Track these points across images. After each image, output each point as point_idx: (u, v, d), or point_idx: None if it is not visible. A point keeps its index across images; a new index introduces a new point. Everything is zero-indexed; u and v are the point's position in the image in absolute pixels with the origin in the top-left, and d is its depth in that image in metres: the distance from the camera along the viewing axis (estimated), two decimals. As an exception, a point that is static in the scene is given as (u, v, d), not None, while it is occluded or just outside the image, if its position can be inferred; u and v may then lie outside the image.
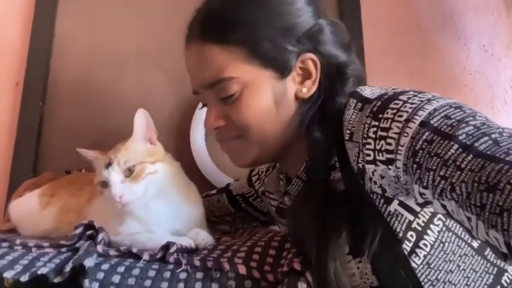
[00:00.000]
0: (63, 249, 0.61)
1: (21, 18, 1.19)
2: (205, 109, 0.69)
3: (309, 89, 0.63)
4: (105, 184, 0.67)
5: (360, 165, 0.56)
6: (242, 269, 0.55)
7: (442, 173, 0.44)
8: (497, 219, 0.38)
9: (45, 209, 0.82)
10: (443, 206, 0.46)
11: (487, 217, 0.39)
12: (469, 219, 0.42)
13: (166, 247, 0.59)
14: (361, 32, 1.22)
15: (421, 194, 0.49)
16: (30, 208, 0.84)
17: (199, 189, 0.80)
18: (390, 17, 1.26)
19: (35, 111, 1.13)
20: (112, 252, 0.60)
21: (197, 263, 0.57)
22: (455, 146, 0.44)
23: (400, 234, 0.54)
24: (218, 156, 1.10)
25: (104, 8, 1.22)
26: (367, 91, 0.60)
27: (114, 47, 1.19)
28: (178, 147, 1.13)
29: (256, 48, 0.61)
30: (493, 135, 0.44)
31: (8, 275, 0.51)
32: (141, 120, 0.70)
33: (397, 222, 0.54)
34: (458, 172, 0.43)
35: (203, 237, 0.65)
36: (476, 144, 0.43)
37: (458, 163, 0.43)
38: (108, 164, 0.66)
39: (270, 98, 0.62)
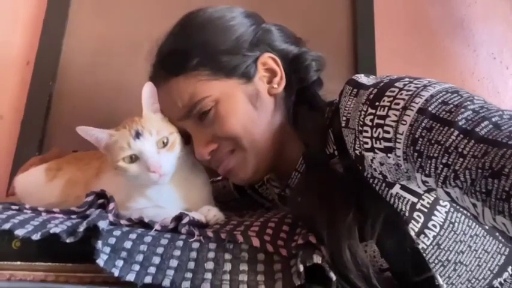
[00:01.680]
0: (73, 216, 0.60)
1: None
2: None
3: (278, 84, 0.68)
4: (132, 159, 0.64)
5: (357, 151, 0.56)
6: (256, 242, 0.54)
7: (444, 161, 0.44)
8: (504, 205, 0.38)
9: (51, 182, 0.81)
10: (447, 193, 0.46)
11: (493, 203, 0.39)
12: (474, 205, 0.42)
13: (179, 218, 0.59)
14: (373, 34, 1.24)
15: (423, 182, 0.49)
16: (36, 182, 0.83)
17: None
18: (402, 20, 1.28)
19: (45, 90, 1.12)
20: (123, 221, 0.60)
21: (210, 234, 0.56)
22: (456, 132, 0.44)
23: (406, 214, 0.54)
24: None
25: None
26: (363, 79, 0.60)
27: (127, 30, 1.19)
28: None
29: (215, 64, 0.65)
30: (493, 119, 0.43)
31: (20, 232, 0.50)
32: (150, 92, 0.68)
33: (400, 203, 0.54)
34: (461, 159, 0.43)
35: (214, 214, 0.64)
36: (477, 129, 0.43)
37: (460, 150, 0.43)
38: (138, 135, 0.63)
39: (245, 100, 0.66)
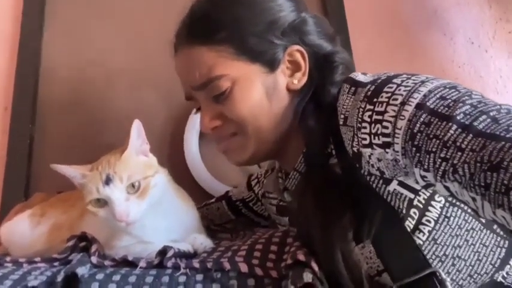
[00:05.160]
0: (56, 263, 0.58)
1: (7, 44, 1.18)
2: (199, 116, 0.69)
3: (299, 80, 0.64)
4: (101, 203, 0.62)
5: (355, 149, 0.56)
6: (244, 267, 0.52)
7: (442, 155, 0.44)
8: (504, 198, 0.38)
9: (35, 228, 0.79)
10: (446, 188, 0.46)
11: (492, 197, 0.39)
12: (473, 199, 0.41)
13: (163, 252, 0.57)
14: (347, 32, 1.23)
15: (422, 177, 0.49)
16: (20, 230, 0.81)
17: (195, 199, 0.78)
18: (375, 16, 1.28)
19: (25, 134, 1.10)
20: (107, 262, 0.58)
21: (196, 265, 0.54)
22: (454, 127, 0.44)
23: (404, 212, 0.53)
24: (212, 164, 1.08)
25: (90, 26, 1.22)
26: (360, 76, 0.60)
27: (102, 64, 1.18)
28: (172, 158, 1.11)
29: (242, 44, 0.62)
30: (491, 113, 0.44)
31: (-3, 290, 0.48)
32: (139, 131, 0.66)
33: (398, 200, 0.54)
34: (460, 153, 0.42)
35: (201, 241, 0.63)
36: (475, 123, 0.43)
37: (458, 144, 0.43)
38: (108, 180, 0.61)
39: (261, 91, 0.62)
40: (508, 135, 0.40)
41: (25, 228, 0.79)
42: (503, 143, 0.39)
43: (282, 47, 0.63)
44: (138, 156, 0.67)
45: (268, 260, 0.55)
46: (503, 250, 0.55)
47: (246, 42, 0.62)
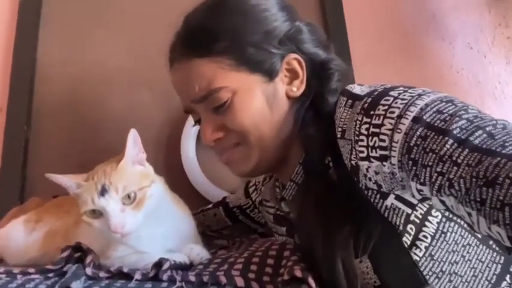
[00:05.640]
0: (51, 275, 0.57)
1: (2, 44, 1.17)
2: (196, 123, 0.69)
3: (298, 88, 0.65)
4: (96, 213, 0.61)
5: (353, 162, 0.55)
6: (240, 282, 0.52)
7: (438, 169, 0.44)
8: (499, 214, 0.38)
9: (30, 235, 0.78)
10: (442, 202, 0.46)
11: (488, 212, 0.39)
12: (469, 214, 0.41)
13: (159, 264, 0.56)
14: (347, 37, 1.23)
15: (418, 191, 0.49)
16: (15, 236, 0.80)
17: (192, 204, 0.77)
18: (374, 21, 1.27)
19: (20, 136, 1.09)
20: (102, 274, 0.57)
21: (192, 278, 0.54)
22: (450, 141, 0.44)
23: (401, 228, 0.53)
24: (210, 170, 1.08)
25: (87, 28, 1.21)
26: (357, 89, 0.60)
27: (99, 66, 1.18)
28: (169, 162, 1.10)
29: (241, 55, 0.62)
30: (487, 128, 0.44)
31: (-9, 304, 0.47)
32: (135, 140, 0.65)
33: (395, 216, 0.54)
34: (456, 167, 0.43)
35: (197, 252, 0.62)
36: (471, 138, 0.43)
37: (454, 158, 0.43)
38: (103, 191, 0.60)
39: (262, 100, 0.63)
40: (503, 151, 0.40)
41: (20, 234, 0.79)
42: (499, 158, 0.40)
43: (279, 56, 0.63)
44: (134, 166, 0.66)
45: (264, 274, 0.54)
46: (499, 266, 0.55)
47: (244, 52, 0.62)
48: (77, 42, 1.20)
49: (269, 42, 0.63)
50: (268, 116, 0.63)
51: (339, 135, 0.58)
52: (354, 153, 0.55)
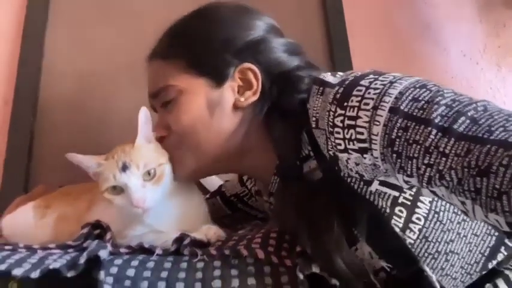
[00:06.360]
0: (71, 250, 0.58)
1: (9, 37, 1.18)
2: None
3: (247, 98, 0.65)
4: (117, 190, 0.63)
5: (331, 152, 0.55)
6: (261, 254, 0.54)
7: (426, 161, 0.43)
8: (496, 203, 0.37)
9: (41, 220, 0.78)
10: (433, 192, 0.45)
11: (484, 201, 0.38)
12: (463, 203, 0.41)
13: (180, 239, 0.58)
14: (348, 45, 1.28)
15: (406, 182, 0.48)
16: (24, 221, 0.80)
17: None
18: (373, 29, 1.33)
19: (25, 129, 1.10)
20: (122, 249, 0.58)
21: (213, 252, 0.55)
22: (434, 131, 0.43)
23: (387, 210, 0.53)
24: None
25: (94, 24, 1.23)
26: (329, 77, 0.60)
27: (105, 61, 1.19)
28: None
29: (193, 58, 0.66)
30: (468, 113, 0.43)
31: (17, 272, 0.48)
32: (146, 117, 0.67)
33: (380, 200, 0.53)
34: (444, 158, 0.42)
35: (215, 231, 0.64)
36: (455, 126, 0.42)
37: (441, 149, 0.42)
38: (125, 167, 0.61)
39: (203, 105, 0.64)
40: (491, 137, 0.39)
41: (30, 220, 0.79)
42: (488, 146, 0.39)
43: (233, 64, 0.65)
44: (149, 143, 0.68)
45: (283, 249, 0.56)
46: (494, 238, 0.55)
47: (197, 57, 0.66)
48: (84, 36, 1.22)
49: (226, 50, 0.65)
50: (207, 121, 0.64)
51: (313, 125, 0.58)
52: (329, 143, 0.54)
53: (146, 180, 0.62)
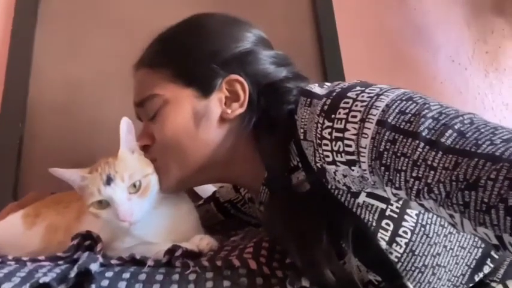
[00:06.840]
0: (61, 262, 0.58)
1: (-2, 41, 1.17)
2: None
3: (234, 110, 0.64)
4: (103, 204, 0.61)
5: (318, 164, 0.55)
6: (253, 264, 0.54)
7: (414, 174, 0.43)
8: (485, 217, 0.37)
9: (30, 230, 0.77)
10: (421, 205, 0.45)
11: (473, 215, 0.38)
12: (451, 216, 0.41)
13: (172, 251, 0.58)
14: (339, 51, 1.28)
15: (394, 194, 0.48)
16: (13, 230, 0.79)
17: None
18: (364, 34, 1.34)
19: (14, 133, 1.09)
20: (114, 261, 0.58)
21: (205, 263, 0.55)
22: (422, 144, 0.43)
23: (374, 224, 0.53)
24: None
25: (83, 31, 1.22)
26: (316, 88, 0.59)
27: (95, 65, 1.19)
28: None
29: (179, 68, 0.65)
30: (455, 126, 0.43)
31: (7, 286, 0.47)
32: (128, 127, 0.65)
33: (367, 212, 0.53)
34: (432, 171, 0.42)
35: (207, 242, 0.63)
36: (442, 140, 0.42)
37: (429, 162, 0.42)
38: (109, 180, 0.60)
39: (189, 115, 0.64)
40: (479, 151, 0.39)
41: (18, 229, 0.78)
42: (476, 159, 0.39)
43: (221, 75, 0.64)
44: (133, 153, 0.66)
45: (274, 260, 0.56)
46: (480, 250, 0.55)
47: (184, 67, 0.65)
48: (73, 43, 1.21)
49: (213, 61, 0.64)
50: (193, 132, 0.63)
51: (301, 137, 0.58)
52: (317, 155, 0.54)
53: (132, 193, 0.61)
